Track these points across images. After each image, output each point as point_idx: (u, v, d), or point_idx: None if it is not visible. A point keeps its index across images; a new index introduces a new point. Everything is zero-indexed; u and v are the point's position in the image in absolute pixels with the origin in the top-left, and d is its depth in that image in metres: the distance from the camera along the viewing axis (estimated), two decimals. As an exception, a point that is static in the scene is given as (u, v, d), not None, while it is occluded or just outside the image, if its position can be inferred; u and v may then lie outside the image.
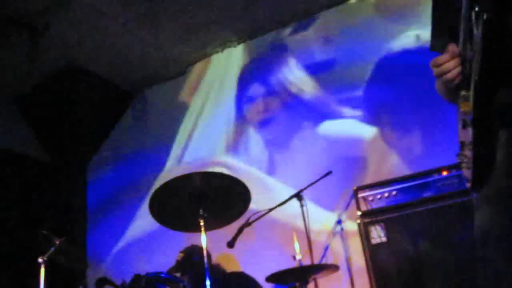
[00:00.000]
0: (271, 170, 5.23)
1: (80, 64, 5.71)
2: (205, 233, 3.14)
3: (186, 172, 3.24)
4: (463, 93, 1.60)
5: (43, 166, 6.17)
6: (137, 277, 3.27)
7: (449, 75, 1.62)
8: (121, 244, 5.79)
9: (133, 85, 6.32)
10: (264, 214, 4.07)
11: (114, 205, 6.03)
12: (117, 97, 6.38)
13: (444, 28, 1.77)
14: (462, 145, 1.68)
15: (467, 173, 1.68)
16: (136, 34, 5.38)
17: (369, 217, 3.94)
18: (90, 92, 6.06)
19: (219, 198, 3.31)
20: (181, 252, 4.35)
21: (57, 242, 3.70)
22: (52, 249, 3.66)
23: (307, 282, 3.59)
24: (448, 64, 1.61)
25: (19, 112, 6.13)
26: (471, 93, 1.51)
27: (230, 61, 5.90)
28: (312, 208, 4.34)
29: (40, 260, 3.59)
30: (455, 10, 1.57)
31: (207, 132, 5.79)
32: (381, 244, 3.80)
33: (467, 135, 1.59)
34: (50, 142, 6.25)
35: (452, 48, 1.62)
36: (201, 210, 3.19)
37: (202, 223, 3.16)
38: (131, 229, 5.76)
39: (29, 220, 5.52)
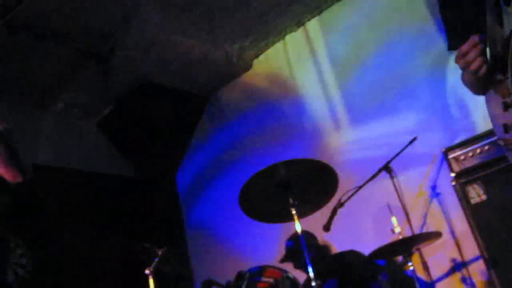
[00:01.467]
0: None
1: (150, 78, 5.87)
2: (299, 221, 3.14)
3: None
4: (499, 77, 1.56)
5: (133, 182, 6.41)
6: (240, 274, 3.32)
7: (473, 66, 1.58)
8: (219, 244, 5.92)
9: (204, 89, 6.41)
10: (355, 192, 4.02)
11: (209, 214, 6.17)
12: (191, 104, 6.50)
13: (458, 25, 1.77)
14: (506, 127, 1.63)
15: None
16: (196, 38, 5.45)
17: (465, 177, 3.79)
18: (164, 103, 6.21)
19: (306, 184, 3.30)
20: (289, 240, 4.34)
21: (160, 253, 3.83)
22: (156, 260, 3.79)
23: (411, 254, 3.49)
24: (469, 55, 1.59)
25: (102, 134, 6.39)
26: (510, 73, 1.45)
27: (293, 46, 5.86)
28: (403, 178, 4.19)
29: (147, 271, 3.74)
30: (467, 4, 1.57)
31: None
32: (481, 202, 3.65)
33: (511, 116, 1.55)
34: (136, 159, 6.48)
35: (473, 38, 1.59)
36: (290, 199, 3.18)
37: (294, 212, 3.16)
38: (227, 230, 5.87)
39: (131, 235, 5.75)
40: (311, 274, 2.99)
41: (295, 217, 3.15)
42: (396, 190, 3.99)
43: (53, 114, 5.73)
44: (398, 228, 3.56)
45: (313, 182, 3.32)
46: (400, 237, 3.53)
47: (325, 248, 4.72)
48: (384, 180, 4.05)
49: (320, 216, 3.65)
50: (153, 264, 3.77)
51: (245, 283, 3.24)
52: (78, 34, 4.86)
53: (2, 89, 5.03)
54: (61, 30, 4.63)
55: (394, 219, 3.63)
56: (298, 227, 3.15)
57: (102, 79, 5.50)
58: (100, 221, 5.66)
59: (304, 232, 4.15)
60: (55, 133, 5.59)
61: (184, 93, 6.28)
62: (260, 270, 3.31)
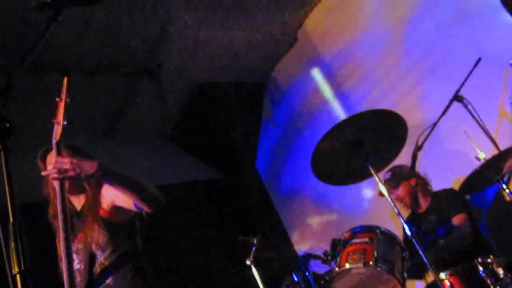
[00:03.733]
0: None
1: (205, 79, 5.97)
2: (377, 176, 3.06)
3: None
4: None
5: (218, 183, 6.55)
6: (335, 241, 3.30)
7: None
8: (312, 214, 5.93)
9: (258, 75, 6.43)
10: (431, 131, 3.89)
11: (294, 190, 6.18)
12: (251, 92, 6.54)
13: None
14: None
15: None
16: (235, 28, 5.48)
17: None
18: (225, 99, 6.29)
19: (376, 136, 3.20)
20: (387, 172, 4.19)
21: (255, 241, 3.88)
22: (254, 248, 3.85)
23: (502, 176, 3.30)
24: None
25: (176, 147, 6.57)
26: None
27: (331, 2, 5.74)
28: (477, 104, 3.96)
29: (247, 262, 3.81)
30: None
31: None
32: None
33: None
34: (214, 161, 6.61)
35: None
36: (363, 155, 3.11)
37: (370, 168, 3.09)
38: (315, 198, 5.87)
39: (228, 230, 5.90)
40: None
41: (373, 172, 3.07)
42: (473, 116, 3.80)
43: (123, 139, 5.94)
44: (482, 154, 3.38)
45: (381, 134, 3.21)
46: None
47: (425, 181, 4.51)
48: (458, 111, 3.87)
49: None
50: (252, 253, 3.83)
51: (340, 249, 3.21)
52: (123, 60, 5.03)
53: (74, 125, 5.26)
54: (106, 62, 4.80)
55: (475, 146, 3.44)
56: (378, 181, 3.07)
57: (160, 94, 5.65)
58: (196, 225, 5.85)
59: (397, 166, 4.08)
60: (132, 157, 5.80)
61: (240, 85, 6.34)
62: (353, 233, 3.26)
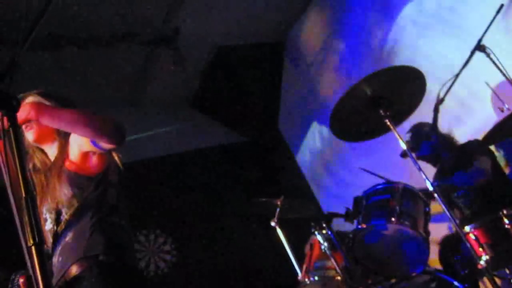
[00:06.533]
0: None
1: (222, 43, 5.92)
2: (396, 130, 3.03)
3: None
4: None
5: (243, 146, 6.59)
6: (357, 199, 3.30)
7: None
8: (334, 176, 5.94)
9: (277, 35, 6.35)
10: (452, 84, 3.79)
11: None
12: (270, 53, 6.48)
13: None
14: None
15: None
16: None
17: None
18: (245, 61, 6.25)
19: (393, 91, 3.15)
20: (408, 133, 4.19)
21: (279, 203, 3.91)
22: (278, 210, 3.88)
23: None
24: None
25: (198, 112, 6.60)
26: None
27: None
28: (500, 53, 3.84)
29: (272, 223, 3.84)
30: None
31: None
32: None
33: None
34: (237, 124, 6.63)
35: None
36: (381, 111, 3.07)
37: (389, 123, 3.05)
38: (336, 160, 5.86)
39: (251, 193, 5.95)
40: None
41: (392, 127, 3.03)
42: (497, 66, 3.69)
43: (145, 108, 5.99)
44: (506, 105, 3.30)
45: (399, 87, 3.16)
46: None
47: (446, 136, 4.42)
48: (481, 61, 3.76)
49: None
50: (276, 214, 3.86)
51: (363, 207, 3.21)
52: (139, 29, 5.01)
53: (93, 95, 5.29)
54: (122, 32, 4.79)
55: (498, 97, 3.36)
56: (397, 137, 3.03)
57: (179, 60, 5.64)
58: (221, 189, 5.93)
59: (417, 124, 4.03)
60: (156, 124, 5.85)
61: (259, 46, 6.28)
62: (374, 190, 3.25)
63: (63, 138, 2.21)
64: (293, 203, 4.05)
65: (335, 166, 5.92)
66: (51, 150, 2.29)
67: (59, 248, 2.11)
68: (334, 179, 5.95)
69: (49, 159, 2.31)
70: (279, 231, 3.85)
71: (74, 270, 2.03)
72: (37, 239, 1.29)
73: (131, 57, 5.28)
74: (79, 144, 2.11)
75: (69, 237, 2.10)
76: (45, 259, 1.30)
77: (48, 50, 4.11)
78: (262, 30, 6.09)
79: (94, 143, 2.04)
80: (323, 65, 5.99)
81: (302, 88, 6.30)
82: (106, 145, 2.05)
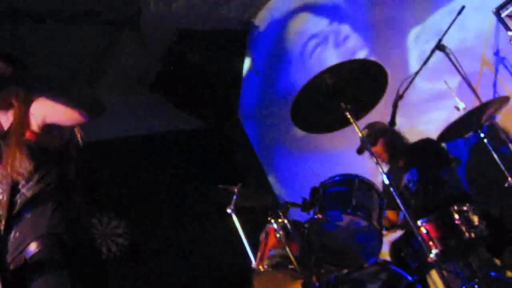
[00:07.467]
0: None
1: (184, 28, 5.84)
2: (356, 124, 3.06)
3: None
4: None
5: (200, 132, 6.55)
6: (314, 190, 3.33)
7: None
8: (293, 164, 5.98)
9: (240, 23, 6.32)
10: (412, 80, 3.86)
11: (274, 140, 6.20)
12: (233, 41, 6.44)
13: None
14: None
15: None
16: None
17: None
18: (207, 47, 6.20)
19: (355, 85, 3.18)
20: (364, 130, 4.22)
21: (236, 190, 3.90)
22: (234, 197, 3.87)
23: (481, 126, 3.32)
24: None
25: (157, 96, 6.51)
26: None
27: None
28: (459, 53, 3.93)
29: (228, 210, 3.84)
30: None
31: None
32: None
33: None
34: (196, 110, 6.58)
35: None
36: (342, 104, 3.10)
37: (349, 116, 3.08)
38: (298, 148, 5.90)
39: (210, 181, 5.94)
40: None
41: (351, 120, 3.06)
42: (454, 66, 3.79)
43: (105, 88, 5.87)
44: (461, 104, 3.39)
45: (362, 81, 3.19)
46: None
47: (400, 134, 4.50)
48: (440, 60, 3.85)
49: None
50: (232, 202, 3.86)
51: (320, 197, 3.25)
52: (101, 8, 4.89)
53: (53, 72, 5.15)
54: (83, 10, 4.67)
55: (454, 94, 3.45)
56: (357, 130, 3.07)
57: (140, 42, 5.54)
58: (178, 174, 5.89)
59: (373, 122, 4.10)
60: (111, 106, 5.73)
61: (222, 33, 6.23)
62: (331, 182, 3.30)
63: (24, 105, 2.09)
64: (250, 191, 4.06)
65: (293, 156, 5.96)
66: (5, 117, 2.15)
67: (19, 224, 2.04)
68: (292, 169, 6.00)
69: (0, 126, 2.17)
70: (235, 218, 3.85)
71: (34, 247, 1.98)
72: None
73: (91, 36, 5.15)
74: (52, 115, 2.04)
75: (29, 213, 2.03)
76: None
77: (6, 24, 3.96)
78: (226, 17, 6.04)
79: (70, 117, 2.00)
80: (286, 54, 6.00)
81: (263, 77, 6.31)
82: (83, 118, 2.00)
